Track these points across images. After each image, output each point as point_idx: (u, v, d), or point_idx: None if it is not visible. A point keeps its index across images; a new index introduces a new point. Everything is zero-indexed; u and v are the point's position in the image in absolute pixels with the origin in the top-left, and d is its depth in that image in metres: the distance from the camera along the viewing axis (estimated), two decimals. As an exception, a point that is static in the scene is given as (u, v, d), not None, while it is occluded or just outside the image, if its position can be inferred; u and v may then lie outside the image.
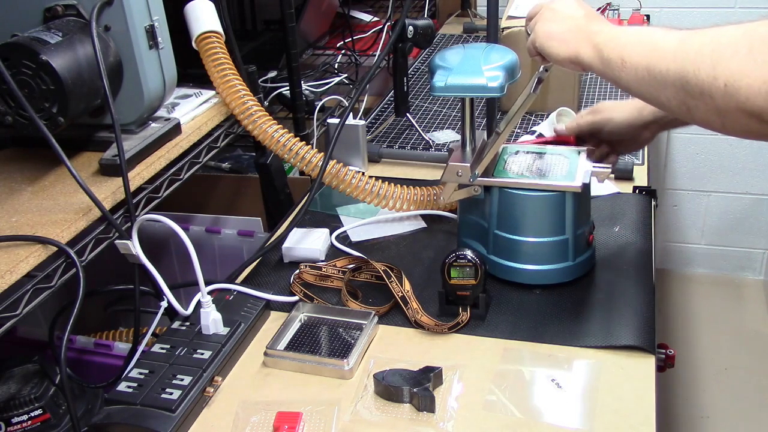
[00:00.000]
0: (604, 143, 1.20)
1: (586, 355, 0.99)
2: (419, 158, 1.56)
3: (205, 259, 1.22)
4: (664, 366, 1.01)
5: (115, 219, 1.02)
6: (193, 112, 1.26)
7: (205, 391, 0.95)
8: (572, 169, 1.10)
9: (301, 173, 1.38)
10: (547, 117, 1.61)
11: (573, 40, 0.91)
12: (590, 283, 1.12)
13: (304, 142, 1.26)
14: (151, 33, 1.11)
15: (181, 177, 1.18)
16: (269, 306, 1.12)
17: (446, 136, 1.64)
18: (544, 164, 1.13)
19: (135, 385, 0.94)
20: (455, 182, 1.11)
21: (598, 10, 2.27)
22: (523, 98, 1.08)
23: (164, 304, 1.06)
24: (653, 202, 1.34)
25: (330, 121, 1.52)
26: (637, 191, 1.37)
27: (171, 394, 0.92)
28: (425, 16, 2.28)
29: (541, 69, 1.04)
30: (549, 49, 0.94)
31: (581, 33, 0.91)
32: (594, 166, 1.09)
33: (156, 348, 1.01)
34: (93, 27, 1.02)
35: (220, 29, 1.25)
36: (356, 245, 1.28)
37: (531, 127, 1.63)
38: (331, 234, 1.29)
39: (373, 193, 1.26)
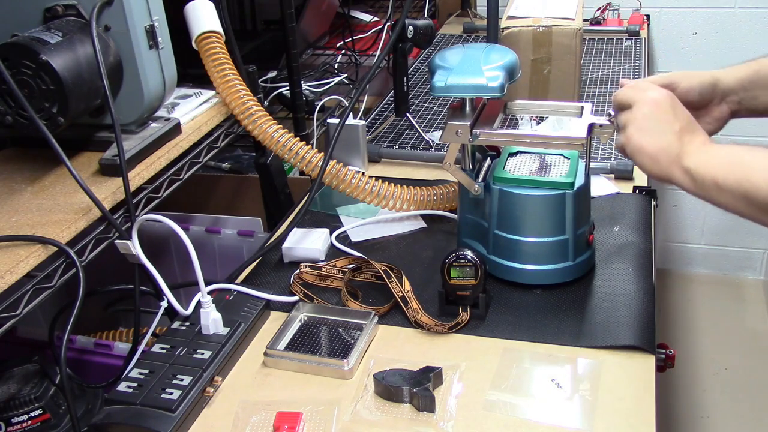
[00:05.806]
0: None
1: (586, 355, 0.99)
2: (419, 158, 1.56)
3: (205, 259, 1.22)
4: (664, 366, 1.01)
5: (115, 219, 1.02)
6: (193, 112, 1.26)
7: (205, 391, 0.95)
8: (573, 168, 1.10)
9: (301, 173, 1.38)
10: (547, 117, 1.61)
11: (665, 162, 0.91)
12: (590, 283, 1.12)
13: (304, 142, 1.26)
14: (151, 33, 1.11)
15: (181, 177, 1.18)
16: (269, 306, 1.12)
17: (446, 136, 1.64)
18: (544, 164, 1.13)
19: (135, 385, 0.94)
20: (454, 142, 1.10)
21: (598, 10, 2.27)
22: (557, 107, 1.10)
23: (164, 304, 1.06)
24: (653, 202, 1.34)
25: (330, 121, 1.52)
26: (637, 191, 1.37)
27: (171, 394, 0.92)
28: (425, 16, 2.28)
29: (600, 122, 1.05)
30: (640, 164, 0.94)
31: (672, 156, 0.90)
32: (597, 123, 1.06)
33: (156, 348, 1.01)
34: (93, 27, 1.02)
35: (220, 29, 1.25)
36: (356, 245, 1.28)
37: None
38: (331, 234, 1.29)
39: (373, 193, 1.26)
